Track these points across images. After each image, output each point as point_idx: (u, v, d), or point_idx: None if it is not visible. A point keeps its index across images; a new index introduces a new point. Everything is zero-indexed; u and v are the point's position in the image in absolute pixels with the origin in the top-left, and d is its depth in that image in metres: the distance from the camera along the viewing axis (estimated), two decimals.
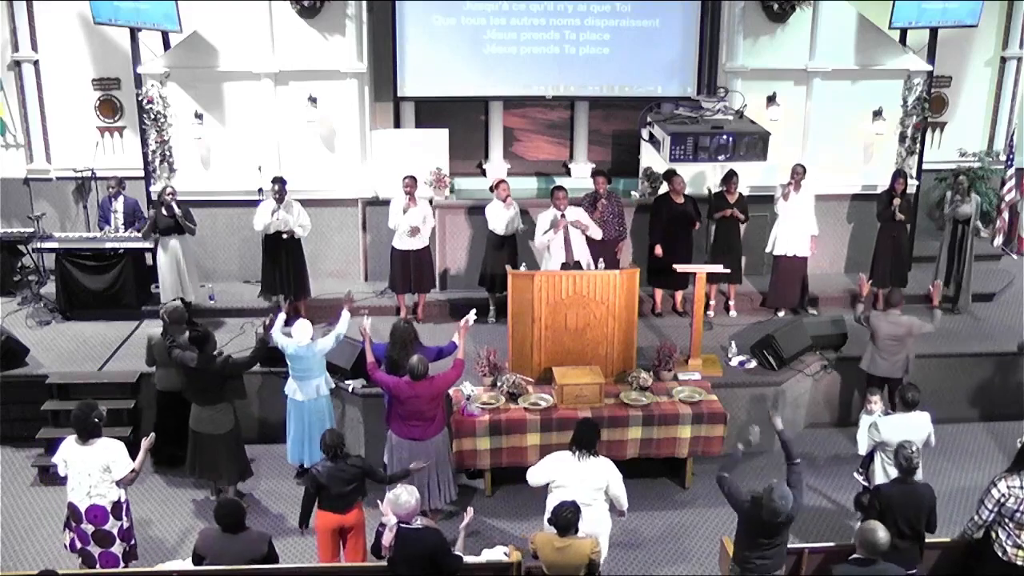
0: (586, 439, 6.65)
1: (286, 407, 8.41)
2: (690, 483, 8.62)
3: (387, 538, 5.81)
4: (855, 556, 5.74)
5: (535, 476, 6.74)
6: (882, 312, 8.76)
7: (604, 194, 10.20)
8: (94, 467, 6.55)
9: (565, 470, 6.58)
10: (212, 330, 8.52)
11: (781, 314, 10.58)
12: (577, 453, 6.61)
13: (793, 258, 10.36)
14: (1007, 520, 6.27)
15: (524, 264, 9.75)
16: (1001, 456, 8.98)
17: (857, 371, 8.99)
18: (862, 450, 7.53)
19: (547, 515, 6.27)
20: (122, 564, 6.73)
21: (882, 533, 5.63)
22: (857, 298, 8.97)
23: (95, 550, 6.69)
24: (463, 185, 11.41)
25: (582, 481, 6.53)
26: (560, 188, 9.83)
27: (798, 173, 10.20)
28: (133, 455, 6.71)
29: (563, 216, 9.59)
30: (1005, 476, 6.30)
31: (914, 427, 7.15)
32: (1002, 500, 6.22)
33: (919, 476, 6.53)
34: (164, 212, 9.72)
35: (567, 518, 5.87)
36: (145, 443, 6.80)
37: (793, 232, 10.29)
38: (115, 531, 6.68)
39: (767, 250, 10.53)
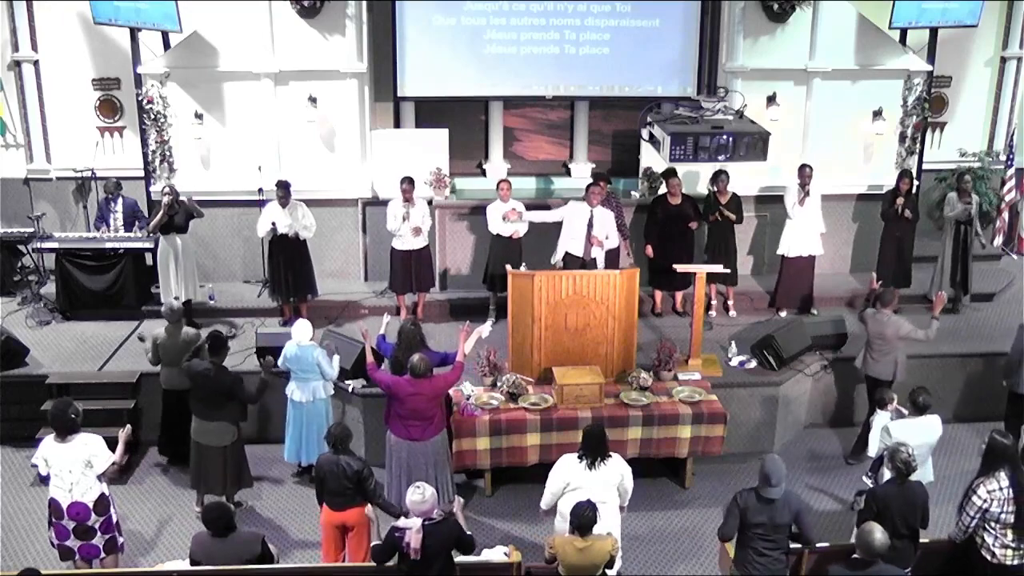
0: (597, 448, 6.57)
1: (286, 407, 8.42)
2: (690, 483, 8.63)
3: (415, 539, 5.73)
4: (854, 557, 5.74)
5: (551, 485, 6.59)
6: (874, 310, 8.67)
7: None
8: (75, 463, 6.58)
9: (578, 474, 6.53)
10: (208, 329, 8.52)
11: (783, 314, 10.57)
12: (587, 461, 6.54)
13: (808, 257, 10.38)
14: (992, 523, 6.22)
15: (524, 264, 9.75)
16: None
17: (856, 371, 8.98)
18: (872, 452, 7.42)
19: (558, 516, 6.27)
20: (103, 555, 6.79)
21: (879, 535, 5.61)
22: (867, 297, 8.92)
23: (75, 544, 6.71)
24: (464, 185, 11.41)
25: (597, 482, 6.51)
26: (596, 184, 9.78)
27: (806, 174, 10.19)
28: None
29: (592, 212, 9.62)
30: (983, 482, 6.22)
31: (926, 430, 7.12)
32: (984, 506, 6.17)
33: (929, 476, 6.52)
34: (166, 211, 9.64)
35: (588, 517, 5.82)
36: (122, 435, 6.82)
37: (805, 232, 10.30)
38: (96, 525, 6.71)
39: (778, 252, 10.51)
